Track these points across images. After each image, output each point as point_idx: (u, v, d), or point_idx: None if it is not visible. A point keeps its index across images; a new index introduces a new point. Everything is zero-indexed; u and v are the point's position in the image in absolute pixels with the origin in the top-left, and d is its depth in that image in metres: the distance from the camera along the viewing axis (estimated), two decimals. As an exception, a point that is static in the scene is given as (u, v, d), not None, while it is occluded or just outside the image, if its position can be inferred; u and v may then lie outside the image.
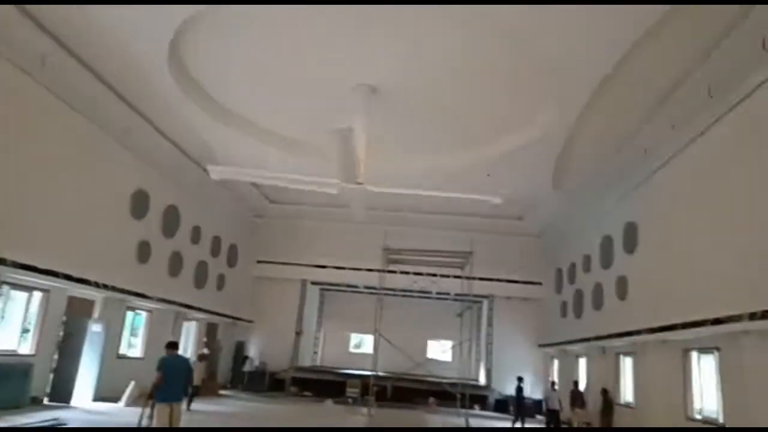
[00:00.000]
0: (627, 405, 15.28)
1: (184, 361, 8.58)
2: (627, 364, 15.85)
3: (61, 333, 13.30)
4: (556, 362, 23.06)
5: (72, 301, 13.80)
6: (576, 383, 17.08)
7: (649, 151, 12.69)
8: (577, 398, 16.17)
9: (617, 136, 13.14)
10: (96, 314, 14.79)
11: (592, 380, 17.57)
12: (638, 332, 13.47)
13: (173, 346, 8.55)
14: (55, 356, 13.17)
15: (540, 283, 24.23)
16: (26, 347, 12.49)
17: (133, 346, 17.69)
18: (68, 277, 12.81)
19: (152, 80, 12.08)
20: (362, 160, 11.20)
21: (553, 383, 17.64)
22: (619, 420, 15.43)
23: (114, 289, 14.79)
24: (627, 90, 11.03)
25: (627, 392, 15.64)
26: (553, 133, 13.23)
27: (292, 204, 22.92)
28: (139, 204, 15.61)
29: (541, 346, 23.89)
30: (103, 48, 11.14)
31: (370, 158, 11.88)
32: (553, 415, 16.14)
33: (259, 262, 25.56)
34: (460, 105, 12.64)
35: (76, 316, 13.83)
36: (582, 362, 20.03)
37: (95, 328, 14.39)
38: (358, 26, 9.96)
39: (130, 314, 16.92)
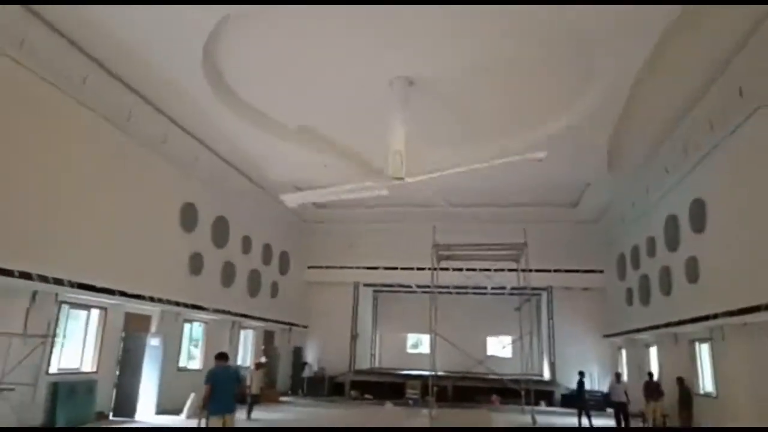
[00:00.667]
0: (707, 395, 14.20)
1: (233, 372, 8.42)
2: (704, 351, 14.76)
3: (121, 349, 13.53)
4: (623, 352, 21.94)
5: (129, 316, 14.04)
6: (651, 374, 16.04)
7: (714, 121, 11.67)
8: (653, 390, 15.16)
9: (676, 107, 12.20)
10: (153, 328, 15.02)
11: (665, 369, 16.49)
12: (714, 316, 12.45)
13: (222, 357, 8.41)
14: (117, 372, 13.42)
15: (601, 271, 23.14)
16: (88, 364, 12.77)
17: (192, 357, 17.95)
18: (124, 294, 13.02)
19: (188, 90, 12.08)
20: (403, 154, 10.82)
21: (617, 375, 16.62)
22: (700, 411, 14.38)
23: (169, 302, 14.98)
24: (685, 54, 10.16)
25: (706, 381, 14.55)
26: (604, 110, 12.41)
27: (339, 207, 22.73)
28: (189, 217, 15.79)
29: (606, 336, 22.78)
30: (137, 63, 11.21)
31: (414, 153, 11.48)
32: (619, 407, 15.20)
33: (310, 267, 25.63)
34: (504, 90, 12.05)
35: (134, 332, 14.07)
36: (653, 351, 18.92)
37: (153, 342, 14.60)
38: (389, 18, 9.60)
39: (187, 326, 17.14)
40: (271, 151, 15.18)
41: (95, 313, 13.06)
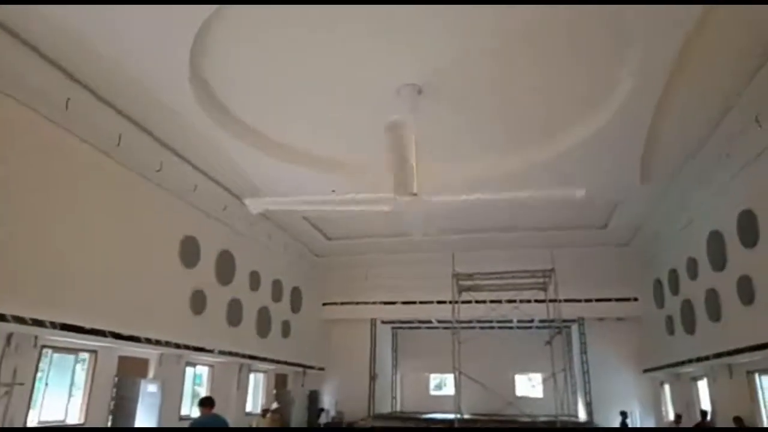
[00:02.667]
0: (774, 435, 12.44)
1: (221, 422, 7.13)
2: (766, 384, 13.04)
3: (113, 396, 12.30)
4: (666, 388, 20.04)
5: (124, 360, 12.88)
6: (705, 413, 14.28)
7: (763, 116, 10.39)
8: (705, 432, 13.43)
9: (716, 103, 10.96)
10: (151, 373, 13.82)
11: (719, 407, 14.68)
12: (778, 342, 10.90)
13: (206, 403, 7.20)
14: (109, 422, 12.15)
15: (636, 299, 21.46)
16: (75, 415, 11.56)
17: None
18: (117, 336, 11.91)
19: (178, 110, 11.22)
20: (414, 167, 9.68)
21: (678, 416, 14.80)
22: (767, 454, 12.58)
23: (168, 344, 13.81)
24: (725, 39, 9.01)
25: (771, 419, 12.80)
26: (635, 114, 11.22)
27: (351, 238, 21.61)
28: (189, 251, 14.75)
29: (646, 371, 20.92)
30: (123, 82, 10.40)
31: (423, 168, 10.36)
32: None
33: (324, 304, 24.36)
34: (521, 94, 10.97)
35: (128, 377, 12.86)
36: (702, 386, 17.09)
37: (151, 388, 13.39)
38: (395, 19, 8.71)
39: (190, 370, 15.89)
40: (273, 175, 14.16)
41: (84, 357, 11.93)
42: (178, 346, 14.19)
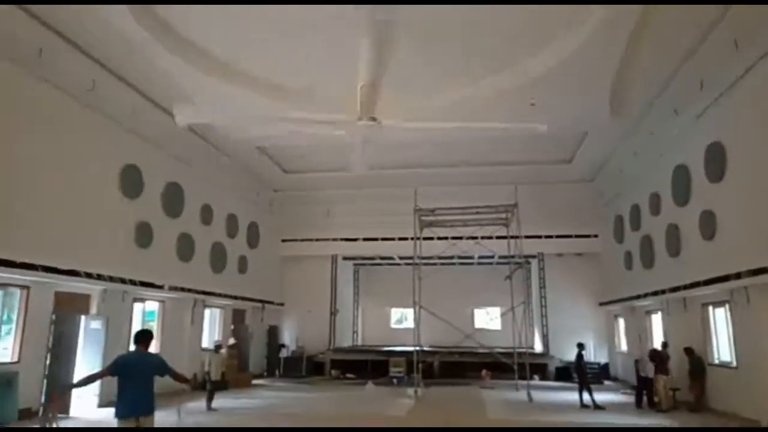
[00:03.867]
0: (724, 365, 12.69)
1: (155, 360, 6.43)
2: (719, 316, 13.21)
3: (51, 334, 11.50)
4: (621, 321, 20.50)
5: (62, 296, 12.02)
6: (665, 344, 14.45)
7: (742, 42, 9.81)
8: (666, 361, 13.59)
9: (693, 32, 10.32)
10: (93, 309, 13.04)
11: (672, 338, 14.94)
12: (737, 276, 10.84)
13: (143, 338, 6.39)
14: (47, 361, 11.42)
15: (596, 236, 21.58)
16: (7, 354, 10.79)
17: (150, 341, 16.03)
18: (50, 270, 11.02)
19: (112, 22, 9.88)
20: (375, 90, 8.82)
21: (655, 350, 14.77)
22: (715, 383, 12.90)
23: (112, 279, 13.01)
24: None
25: (722, 350, 13.03)
26: (607, 42, 10.48)
27: (310, 171, 20.72)
28: (131, 181, 13.68)
29: (602, 304, 21.32)
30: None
31: (384, 94, 9.48)
32: (645, 384, 13.62)
33: (284, 240, 23.73)
34: (488, 16, 10.02)
35: (68, 314, 12.05)
36: (655, 319, 17.45)
37: (94, 324, 12.68)
38: None
39: (138, 306, 15.15)
40: (222, 101, 12.96)
41: (14, 292, 11.04)
42: (123, 281, 13.41)
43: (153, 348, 15.52)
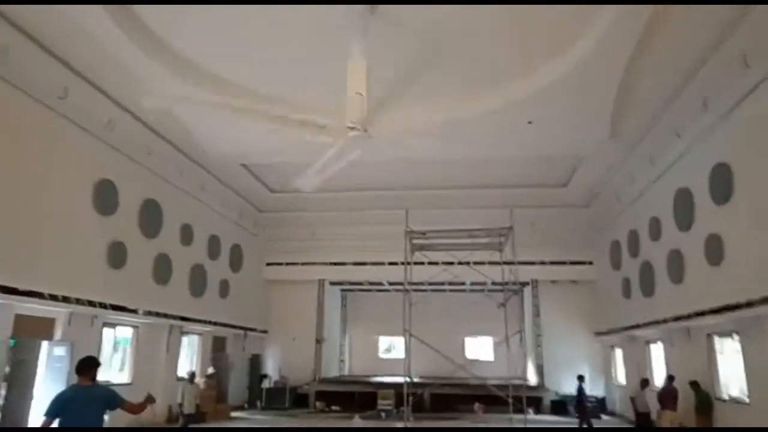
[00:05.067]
0: (735, 401, 11.90)
1: (99, 393, 5.54)
2: (726, 347, 12.50)
3: (8, 360, 10.49)
4: (618, 352, 19.71)
5: (22, 319, 11.03)
6: (672, 377, 13.66)
7: (751, 58, 9.34)
8: (673, 397, 12.83)
9: (697, 51, 9.88)
10: (58, 335, 12.05)
11: (674, 371, 14.17)
12: (748, 304, 10.16)
13: (85, 368, 5.51)
14: (2, 390, 10.38)
15: (591, 263, 20.96)
16: (-45, 383, 9.82)
17: (122, 370, 15.00)
18: (8, 290, 10.09)
19: (86, 24, 9.24)
20: (364, 97, 8.18)
21: (645, 381, 14.14)
22: (724, 420, 12.09)
23: (79, 302, 12.06)
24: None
25: (730, 384, 12.27)
26: (607, 62, 10.01)
27: (297, 192, 19.94)
28: (105, 197, 12.86)
29: (598, 334, 20.55)
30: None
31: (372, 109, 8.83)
32: (643, 419, 12.83)
33: (269, 264, 22.84)
34: (487, 31, 9.51)
35: (29, 339, 11.06)
36: (654, 349, 16.69)
37: (57, 351, 11.69)
38: None
39: (109, 332, 14.15)
40: (203, 114, 12.29)
41: (-33, 316, 10.08)
42: (92, 303, 12.46)
43: (125, 377, 14.68)
